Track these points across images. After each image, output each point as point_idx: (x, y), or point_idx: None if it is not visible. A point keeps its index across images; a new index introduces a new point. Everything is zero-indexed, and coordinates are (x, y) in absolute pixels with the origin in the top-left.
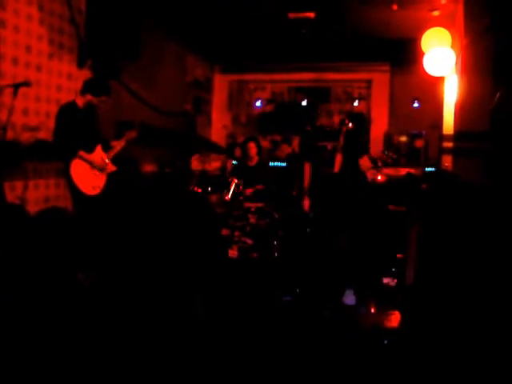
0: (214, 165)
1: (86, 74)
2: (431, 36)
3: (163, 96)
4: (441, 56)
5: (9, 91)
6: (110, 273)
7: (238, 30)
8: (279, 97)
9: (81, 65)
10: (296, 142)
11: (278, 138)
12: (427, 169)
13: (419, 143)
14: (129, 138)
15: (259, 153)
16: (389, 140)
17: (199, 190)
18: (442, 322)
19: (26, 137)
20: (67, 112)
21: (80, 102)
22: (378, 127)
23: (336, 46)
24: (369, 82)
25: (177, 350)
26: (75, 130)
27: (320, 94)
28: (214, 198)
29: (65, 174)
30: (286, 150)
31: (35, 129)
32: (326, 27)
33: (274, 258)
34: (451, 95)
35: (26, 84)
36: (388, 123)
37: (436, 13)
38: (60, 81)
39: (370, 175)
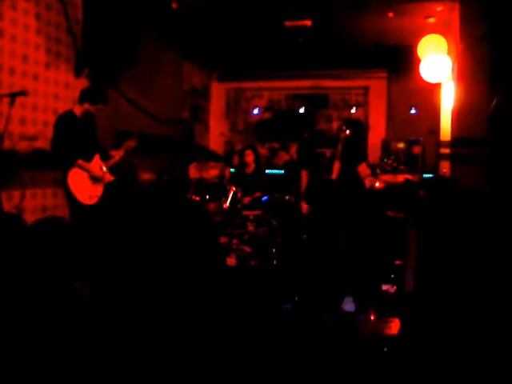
0: (211, 173)
1: (83, 83)
2: (427, 43)
3: (161, 104)
4: (437, 62)
5: (6, 100)
6: (108, 282)
7: (235, 38)
8: (277, 104)
9: (78, 74)
10: (294, 149)
11: (276, 145)
12: (425, 175)
13: (417, 149)
14: (128, 147)
15: (256, 160)
16: (386, 147)
17: (197, 198)
18: (442, 329)
19: (23, 146)
20: (65, 121)
21: (78, 111)
22: (376, 134)
23: (333, 53)
24: (366, 88)
25: (180, 355)
26: (73, 139)
27: (317, 102)
28: (212, 206)
29: (62, 183)
30: (284, 157)
31: (33, 138)
32: (322, 35)
33: (272, 266)
34: (448, 101)
35: (23, 93)
36: (385, 130)
37: (432, 20)
38: (57, 90)
39: (368, 182)
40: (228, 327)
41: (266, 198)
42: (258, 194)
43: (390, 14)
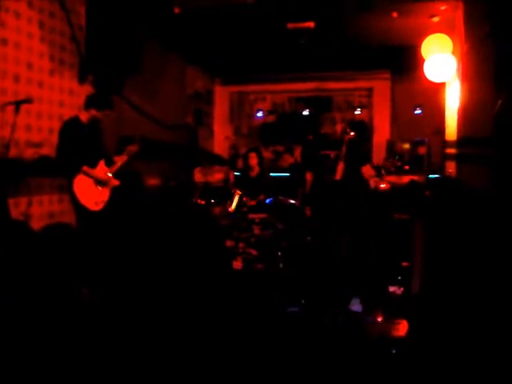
0: (216, 177)
1: (87, 89)
2: (432, 42)
3: (164, 109)
4: (442, 62)
5: (11, 108)
6: (116, 287)
7: (237, 41)
8: (280, 107)
9: (82, 80)
10: (298, 151)
11: (280, 148)
12: (431, 176)
13: (422, 150)
14: (130, 152)
15: (260, 163)
16: (391, 147)
17: (203, 203)
18: (449, 331)
19: (29, 153)
20: (71, 127)
21: (84, 117)
22: (381, 135)
23: (336, 55)
24: (370, 90)
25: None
26: (79, 145)
27: (321, 104)
28: (217, 209)
29: (68, 189)
30: (288, 160)
31: (38, 145)
32: (325, 36)
33: (278, 269)
34: (453, 101)
35: (28, 101)
36: (390, 131)
37: (436, 19)
38: (62, 97)
39: (373, 183)
40: (234, 330)
41: (269, 200)
42: (261, 197)
43: (395, 14)
